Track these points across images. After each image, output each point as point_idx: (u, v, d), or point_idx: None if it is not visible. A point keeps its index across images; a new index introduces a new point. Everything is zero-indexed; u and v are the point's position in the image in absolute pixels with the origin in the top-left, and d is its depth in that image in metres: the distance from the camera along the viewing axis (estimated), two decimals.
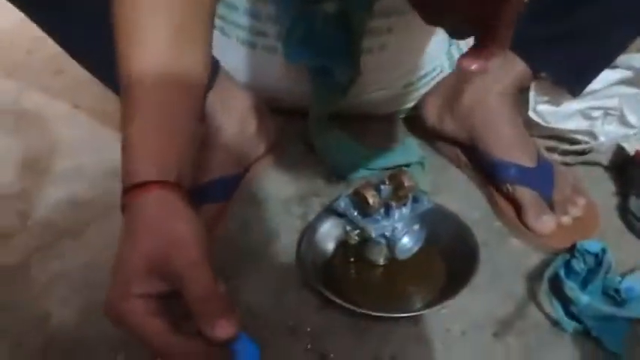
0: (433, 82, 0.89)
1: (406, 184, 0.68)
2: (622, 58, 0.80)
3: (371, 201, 0.67)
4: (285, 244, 0.77)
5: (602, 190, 0.82)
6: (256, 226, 0.79)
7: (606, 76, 0.81)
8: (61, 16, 0.66)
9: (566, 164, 0.83)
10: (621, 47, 0.72)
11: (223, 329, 0.40)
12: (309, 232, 0.75)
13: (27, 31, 0.69)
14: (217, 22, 0.86)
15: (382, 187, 0.69)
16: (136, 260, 0.43)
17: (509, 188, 0.76)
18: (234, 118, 0.79)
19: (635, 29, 0.69)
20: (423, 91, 0.90)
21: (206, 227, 0.72)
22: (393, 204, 0.68)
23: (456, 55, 0.92)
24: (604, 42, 0.70)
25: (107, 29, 0.67)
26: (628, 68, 0.80)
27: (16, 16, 0.70)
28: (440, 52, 0.90)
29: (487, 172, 0.78)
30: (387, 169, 0.84)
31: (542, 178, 0.75)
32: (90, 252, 0.77)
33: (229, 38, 0.86)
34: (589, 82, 0.74)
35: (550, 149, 0.85)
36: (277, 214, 0.81)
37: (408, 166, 0.84)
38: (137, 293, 0.42)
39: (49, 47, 0.71)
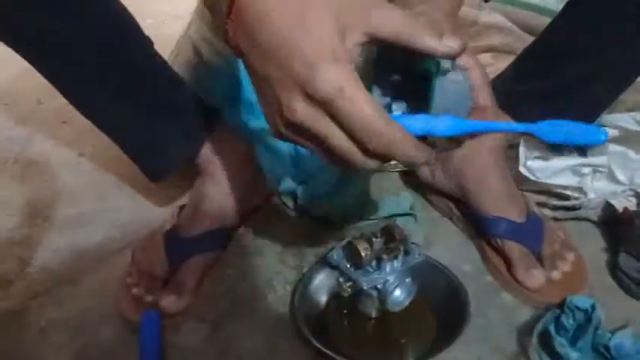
0: None
1: (398, 237, 0.70)
2: (609, 118, 0.83)
3: (363, 253, 0.69)
4: (280, 295, 0.78)
5: (592, 246, 0.83)
6: (251, 276, 0.80)
7: None
8: (61, 64, 0.69)
9: (556, 219, 0.85)
10: (605, 104, 0.74)
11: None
12: (302, 283, 0.76)
13: (38, 79, 0.72)
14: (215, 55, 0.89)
15: (374, 239, 0.70)
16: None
17: (499, 243, 0.77)
18: (230, 166, 0.81)
19: (618, 87, 0.71)
20: None
21: (199, 279, 0.75)
22: (385, 257, 0.70)
23: None
24: (588, 97, 0.72)
25: (105, 81, 0.71)
26: (614, 127, 0.83)
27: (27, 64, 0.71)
28: None
29: (478, 226, 0.80)
30: (379, 218, 0.86)
31: (531, 233, 0.76)
32: (88, 299, 0.78)
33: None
34: None
35: (540, 204, 0.86)
36: (272, 265, 0.82)
37: (401, 215, 0.85)
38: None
39: (59, 97, 0.75)
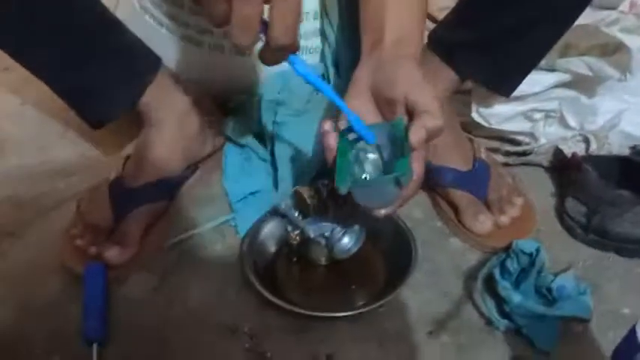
0: None
1: None
2: (561, 62, 0.82)
3: (309, 201, 0.68)
4: (229, 245, 0.77)
5: (542, 191, 0.84)
6: (200, 226, 0.79)
7: (546, 79, 0.83)
8: None
9: (508, 165, 0.85)
10: (544, 49, 0.73)
11: None
12: (252, 232, 0.75)
13: None
14: (163, 19, 0.86)
15: (321, 187, 0.69)
16: None
17: (446, 191, 0.77)
18: (174, 115, 0.79)
19: (555, 31, 0.70)
20: None
21: (144, 230, 0.73)
22: (331, 204, 0.69)
23: None
24: (526, 44, 0.70)
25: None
26: (566, 72, 0.82)
27: None
28: None
29: (426, 176, 0.79)
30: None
31: (477, 180, 0.76)
32: (31, 251, 0.76)
33: (175, 36, 0.86)
34: (517, 84, 0.75)
35: (492, 150, 0.86)
36: (222, 214, 0.81)
37: None
38: None
39: None
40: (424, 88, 0.57)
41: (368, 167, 0.60)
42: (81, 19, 0.70)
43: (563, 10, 0.67)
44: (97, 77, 0.74)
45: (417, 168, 0.57)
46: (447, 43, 0.71)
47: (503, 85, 0.75)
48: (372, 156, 0.60)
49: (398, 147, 0.57)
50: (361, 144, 0.59)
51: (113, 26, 0.75)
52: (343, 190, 0.56)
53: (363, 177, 0.60)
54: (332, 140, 0.58)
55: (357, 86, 0.61)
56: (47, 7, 0.66)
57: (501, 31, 0.66)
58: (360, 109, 0.58)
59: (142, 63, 0.77)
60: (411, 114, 0.57)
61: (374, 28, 0.62)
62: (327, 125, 0.59)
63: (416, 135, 0.54)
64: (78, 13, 0.69)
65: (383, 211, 0.59)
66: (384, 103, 0.59)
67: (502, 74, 0.73)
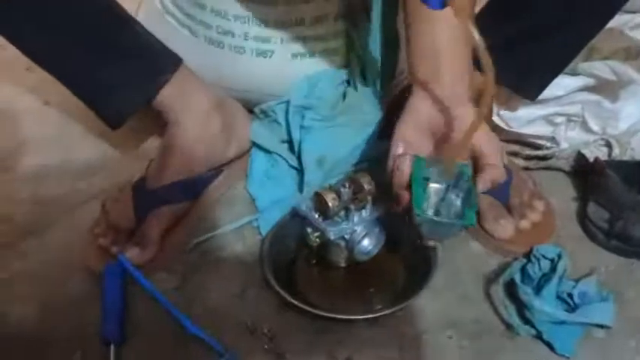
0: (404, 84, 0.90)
1: (366, 187, 0.69)
2: (584, 66, 0.81)
3: (330, 204, 0.68)
4: (249, 245, 0.77)
5: (563, 196, 0.83)
6: (223, 226, 0.79)
7: (569, 83, 0.82)
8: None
9: (529, 169, 0.84)
10: (573, 52, 0.72)
11: None
12: (272, 233, 0.76)
13: None
14: (185, 20, 0.87)
15: (342, 190, 0.69)
16: None
17: None
18: (195, 116, 0.79)
19: (584, 34, 0.70)
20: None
21: (165, 230, 0.74)
22: (353, 207, 0.69)
23: None
24: (554, 47, 0.70)
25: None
26: (590, 76, 0.81)
27: None
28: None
29: None
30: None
31: (499, 184, 0.76)
32: (53, 251, 0.77)
33: (197, 37, 0.86)
34: (544, 87, 0.75)
35: (513, 154, 0.86)
36: (243, 215, 0.81)
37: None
38: None
39: None
40: (491, 139, 0.62)
41: (433, 198, 0.65)
42: (95, 18, 0.71)
43: (594, 14, 0.66)
44: (110, 76, 0.75)
45: None
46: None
47: (530, 88, 0.75)
48: (436, 186, 0.65)
49: (463, 190, 0.64)
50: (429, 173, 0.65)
51: (128, 25, 0.76)
52: (419, 219, 0.62)
53: (433, 213, 0.65)
54: (407, 165, 0.62)
55: (414, 117, 0.62)
56: (61, 4, 0.68)
57: (530, 34, 0.66)
58: (416, 140, 0.62)
59: (158, 62, 0.77)
60: (475, 159, 0.62)
61: (428, 56, 0.62)
62: (402, 148, 0.62)
63: (483, 186, 0.61)
64: (92, 11, 0.70)
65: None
66: (442, 140, 0.61)
67: (529, 77, 0.73)
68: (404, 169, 0.62)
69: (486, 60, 0.50)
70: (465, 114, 0.61)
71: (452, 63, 0.62)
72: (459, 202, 0.65)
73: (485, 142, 0.61)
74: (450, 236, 0.66)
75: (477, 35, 0.50)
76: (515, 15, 0.61)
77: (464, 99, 0.62)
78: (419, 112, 0.62)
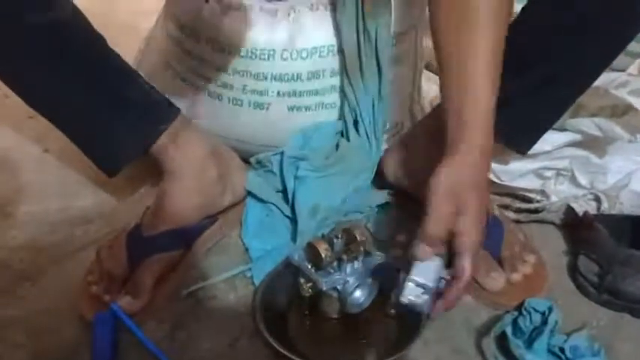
0: (394, 138, 0.92)
1: (359, 238, 0.70)
2: (571, 122, 0.84)
3: (323, 254, 0.69)
4: (241, 295, 0.78)
5: (553, 249, 0.84)
6: (215, 275, 0.80)
7: (557, 139, 0.84)
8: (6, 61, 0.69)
9: (519, 222, 0.86)
10: (563, 107, 0.75)
11: None
12: (264, 283, 0.76)
13: None
14: (186, 74, 0.89)
15: (335, 240, 0.70)
16: None
17: None
18: (191, 165, 0.80)
19: (574, 91, 0.73)
20: (384, 146, 0.93)
21: (157, 279, 0.74)
22: (345, 258, 0.70)
23: (417, 113, 0.96)
24: (546, 102, 0.73)
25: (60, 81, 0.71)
26: (577, 132, 0.84)
27: None
28: (403, 109, 0.93)
29: None
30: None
31: (491, 236, 0.76)
32: (48, 298, 0.77)
33: (196, 89, 0.89)
34: (534, 141, 0.77)
35: (504, 207, 0.87)
36: (235, 265, 0.81)
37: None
38: None
39: None
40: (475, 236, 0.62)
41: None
42: (94, 68, 0.73)
43: (586, 70, 0.69)
44: (109, 123, 0.76)
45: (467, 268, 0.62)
46: None
47: (522, 142, 0.77)
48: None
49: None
50: None
51: (127, 75, 0.78)
52: None
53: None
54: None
55: (445, 190, 0.62)
56: (56, 54, 0.70)
57: (523, 89, 0.69)
58: (445, 214, 0.62)
59: (156, 111, 0.79)
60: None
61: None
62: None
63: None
64: (91, 62, 0.73)
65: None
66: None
67: (521, 132, 0.75)
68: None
69: None
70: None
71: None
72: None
73: (467, 233, 0.61)
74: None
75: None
76: (507, 72, 0.64)
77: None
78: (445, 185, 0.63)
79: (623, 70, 0.90)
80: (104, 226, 0.87)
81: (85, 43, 0.72)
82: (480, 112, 0.63)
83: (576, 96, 0.73)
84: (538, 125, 0.76)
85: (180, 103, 0.82)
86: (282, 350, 0.67)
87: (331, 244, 0.70)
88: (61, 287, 0.78)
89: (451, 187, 0.61)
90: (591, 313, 0.75)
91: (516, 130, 0.74)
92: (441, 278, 0.64)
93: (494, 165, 0.86)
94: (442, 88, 0.66)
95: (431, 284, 0.62)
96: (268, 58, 0.84)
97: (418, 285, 0.62)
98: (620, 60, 0.81)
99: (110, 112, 0.76)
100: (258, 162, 0.88)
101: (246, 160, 0.91)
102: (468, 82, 0.62)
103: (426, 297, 0.62)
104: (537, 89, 0.70)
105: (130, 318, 0.70)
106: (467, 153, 0.62)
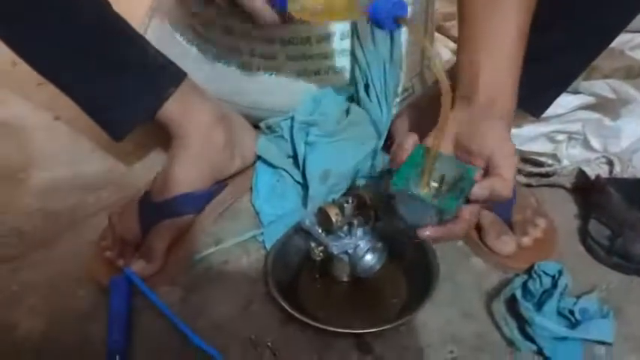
0: (404, 103, 0.92)
1: (369, 202, 0.70)
2: (585, 85, 0.82)
3: (334, 219, 0.69)
4: (253, 259, 0.78)
5: (564, 213, 0.84)
6: (227, 240, 0.81)
7: (570, 101, 0.83)
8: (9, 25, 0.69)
9: (530, 186, 0.85)
10: (578, 70, 0.74)
11: None
12: (276, 247, 0.77)
13: None
14: (193, 38, 0.88)
15: (345, 205, 0.70)
16: None
17: None
18: (199, 130, 0.80)
19: (589, 53, 0.71)
20: (394, 111, 0.92)
21: (169, 244, 0.75)
22: (356, 222, 0.70)
23: (428, 78, 0.95)
24: (560, 65, 0.72)
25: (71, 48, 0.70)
26: (591, 94, 0.83)
27: None
28: (413, 74, 0.92)
29: None
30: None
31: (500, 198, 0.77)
32: (61, 263, 0.78)
33: (204, 54, 0.88)
34: (549, 104, 0.77)
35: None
36: (247, 229, 0.82)
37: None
38: None
39: None
40: (509, 156, 0.60)
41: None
42: (102, 33, 0.73)
43: (604, 31, 0.68)
44: (115, 88, 0.76)
45: (466, 215, 0.60)
46: None
47: (537, 105, 0.76)
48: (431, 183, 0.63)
49: (458, 188, 0.60)
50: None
51: (133, 39, 0.78)
52: (394, 188, 0.60)
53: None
54: (410, 143, 0.62)
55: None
56: (68, 20, 0.70)
57: (539, 51, 0.67)
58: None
59: (162, 76, 0.79)
60: (486, 172, 0.60)
61: (466, 82, 0.63)
62: (413, 137, 0.62)
63: (480, 190, 0.58)
64: (99, 27, 0.72)
65: (421, 232, 0.61)
66: (463, 150, 0.62)
67: (537, 94, 0.74)
68: (406, 147, 0.62)
69: (442, 79, 0.51)
70: (498, 138, 0.61)
71: (491, 84, 0.63)
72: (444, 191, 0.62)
73: (498, 150, 0.59)
74: (425, 222, 0.61)
75: (433, 53, 0.52)
76: None
77: (500, 124, 0.62)
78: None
79: (638, 32, 0.88)
80: (115, 192, 0.88)
81: (90, 6, 0.72)
82: (499, 63, 0.62)
83: (593, 58, 0.72)
84: (553, 88, 0.75)
85: (186, 67, 0.81)
86: (294, 313, 0.68)
87: (342, 209, 0.70)
88: (74, 253, 0.79)
89: (464, 138, 0.61)
90: (601, 276, 0.75)
91: (531, 92, 0.73)
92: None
93: None
94: (459, 39, 0.65)
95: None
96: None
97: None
98: (636, 21, 0.79)
99: (115, 75, 0.75)
100: (268, 127, 0.88)
101: (255, 126, 0.91)
102: (490, 36, 0.62)
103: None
104: (554, 51, 0.69)
105: (143, 282, 0.71)
106: (480, 105, 0.61)
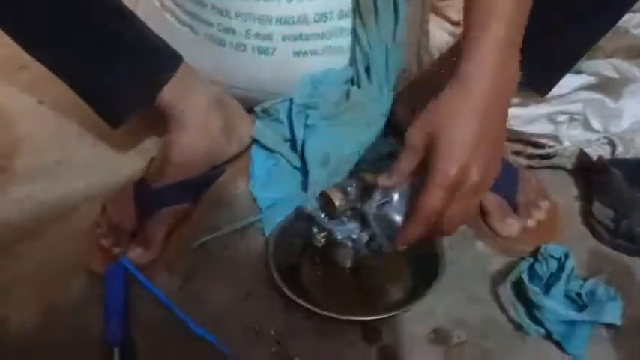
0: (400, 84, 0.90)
1: (372, 186, 0.68)
2: (587, 64, 0.81)
3: (337, 203, 0.67)
4: (253, 246, 0.76)
5: (566, 194, 0.83)
6: (226, 227, 0.78)
7: (571, 81, 0.82)
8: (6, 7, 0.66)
9: (532, 168, 0.84)
10: (586, 47, 0.73)
11: None
12: (276, 233, 0.75)
13: None
14: (185, 18, 0.85)
15: (349, 189, 0.68)
16: None
17: None
18: (196, 115, 0.78)
19: (596, 31, 0.70)
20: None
21: (167, 231, 0.72)
22: (359, 206, 0.68)
23: (425, 58, 0.93)
24: (569, 42, 0.71)
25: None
26: (592, 74, 0.82)
27: None
28: (411, 55, 0.90)
29: None
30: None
31: (506, 182, 0.75)
32: (52, 252, 0.75)
33: (197, 35, 0.85)
34: (555, 82, 0.75)
35: (516, 153, 0.86)
36: (246, 215, 0.80)
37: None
38: None
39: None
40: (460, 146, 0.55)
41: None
42: (95, 16, 0.70)
43: (610, 9, 0.66)
44: (112, 74, 0.74)
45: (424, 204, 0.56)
46: None
47: (543, 83, 0.75)
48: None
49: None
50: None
51: (130, 23, 0.75)
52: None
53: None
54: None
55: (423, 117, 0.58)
56: (60, 2, 0.66)
57: (546, 27, 0.66)
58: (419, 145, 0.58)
59: (159, 60, 0.76)
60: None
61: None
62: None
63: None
64: (92, 9, 0.69)
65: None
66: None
67: (544, 72, 0.73)
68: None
69: None
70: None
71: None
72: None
73: (435, 167, 0.54)
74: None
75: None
76: (531, 10, 0.60)
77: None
78: None
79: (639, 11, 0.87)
80: (105, 178, 0.85)
81: None
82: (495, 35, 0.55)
83: (600, 35, 0.71)
84: (560, 66, 0.74)
85: (180, 49, 0.79)
86: (297, 299, 0.66)
87: (345, 193, 0.68)
88: (64, 241, 0.76)
89: (436, 115, 0.56)
90: (605, 258, 0.75)
91: (539, 70, 0.71)
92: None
93: None
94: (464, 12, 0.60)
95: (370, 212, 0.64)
96: (273, 0, 0.80)
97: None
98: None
99: (111, 61, 0.73)
100: (264, 110, 0.86)
101: (250, 109, 0.89)
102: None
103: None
104: (561, 28, 0.67)
105: (140, 270, 0.69)
106: (468, 78, 0.55)
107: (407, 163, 0.58)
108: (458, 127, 0.54)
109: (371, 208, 0.65)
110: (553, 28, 0.68)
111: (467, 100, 0.55)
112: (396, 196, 0.64)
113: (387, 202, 0.64)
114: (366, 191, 0.69)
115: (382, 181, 0.61)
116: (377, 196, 0.64)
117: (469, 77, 0.55)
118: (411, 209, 0.58)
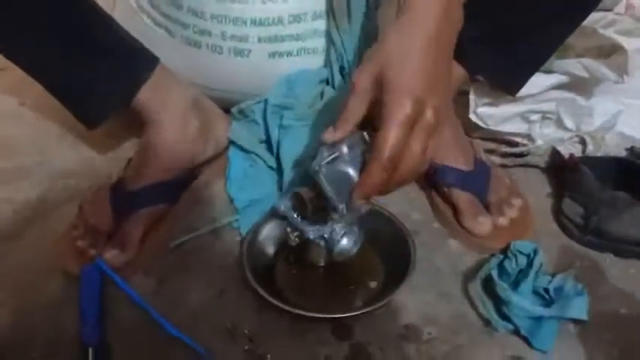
0: None
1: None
2: (558, 63, 0.82)
3: (308, 203, 0.68)
4: (228, 246, 0.77)
5: (539, 192, 0.84)
6: (203, 227, 0.79)
7: (543, 81, 0.83)
8: None
9: (505, 166, 0.86)
10: (553, 46, 0.74)
11: None
12: (251, 233, 0.76)
13: None
14: (161, 20, 0.86)
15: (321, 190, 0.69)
16: None
17: (447, 191, 0.78)
18: (173, 116, 0.78)
19: (565, 29, 0.71)
20: None
21: (144, 233, 0.73)
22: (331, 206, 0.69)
23: None
24: (536, 41, 0.72)
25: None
26: (564, 73, 0.82)
27: None
28: None
29: (426, 175, 0.80)
30: None
31: (478, 181, 0.77)
32: (29, 254, 0.76)
33: (174, 37, 0.86)
34: (524, 81, 0.76)
35: (490, 151, 0.87)
36: (221, 216, 0.81)
37: None
38: None
39: None
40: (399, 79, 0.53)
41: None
42: (71, 18, 0.70)
43: (576, 8, 0.67)
44: (88, 76, 0.74)
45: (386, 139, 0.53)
46: (459, 37, 0.71)
47: (512, 83, 0.76)
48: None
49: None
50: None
51: (106, 24, 0.75)
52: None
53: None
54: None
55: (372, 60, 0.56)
56: (37, 3, 0.67)
57: (514, 27, 0.66)
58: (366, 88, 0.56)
59: (135, 62, 0.77)
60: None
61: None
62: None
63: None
64: (68, 11, 0.69)
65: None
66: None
67: (512, 72, 0.74)
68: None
69: None
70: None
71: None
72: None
73: (390, 102, 0.52)
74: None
75: None
76: (499, 9, 0.61)
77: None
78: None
79: (610, 10, 0.88)
80: (85, 180, 0.86)
81: None
82: None
83: (566, 35, 0.72)
84: (529, 65, 0.75)
85: (156, 51, 0.79)
86: (270, 299, 0.67)
87: (317, 193, 0.69)
88: (42, 243, 0.77)
89: (383, 54, 0.54)
90: (575, 254, 0.76)
91: (508, 70, 0.72)
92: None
93: (480, 109, 0.85)
94: None
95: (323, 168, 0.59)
96: (247, 2, 0.81)
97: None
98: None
99: (87, 62, 0.73)
100: (240, 111, 0.86)
101: (226, 110, 0.89)
102: None
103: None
104: (528, 28, 0.68)
105: (116, 272, 0.70)
106: (414, 11, 0.54)
107: (355, 108, 0.56)
108: (407, 60, 0.53)
109: (320, 166, 0.60)
110: (520, 29, 0.68)
111: (414, 33, 0.53)
112: (345, 149, 0.60)
113: (336, 156, 0.60)
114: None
115: (327, 135, 0.58)
116: (324, 153, 0.60)
117: (414, 10, 0.54)
118: (371, 148, 0.55)
